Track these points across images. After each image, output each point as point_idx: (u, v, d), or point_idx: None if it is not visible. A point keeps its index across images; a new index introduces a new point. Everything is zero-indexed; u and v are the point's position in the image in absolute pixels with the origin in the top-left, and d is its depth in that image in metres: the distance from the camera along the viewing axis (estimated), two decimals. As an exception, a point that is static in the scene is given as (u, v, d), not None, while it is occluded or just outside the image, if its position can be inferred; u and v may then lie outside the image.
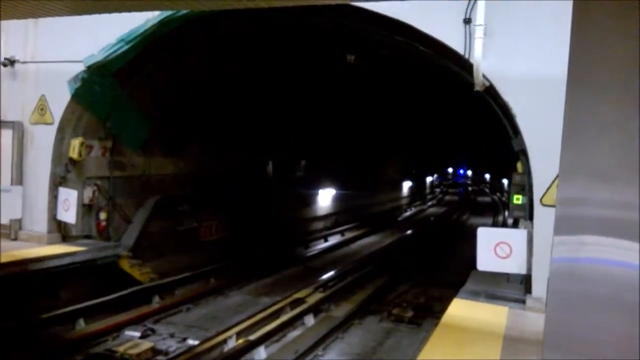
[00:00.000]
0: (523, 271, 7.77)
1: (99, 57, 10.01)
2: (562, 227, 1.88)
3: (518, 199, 8.56)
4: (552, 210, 7.56)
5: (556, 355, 1.84)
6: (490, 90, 8.02)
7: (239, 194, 15.74)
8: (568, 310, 1.83)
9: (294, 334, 9.59)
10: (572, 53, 2.00)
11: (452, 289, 9.44)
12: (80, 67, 10.17)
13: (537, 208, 7.62)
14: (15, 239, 10.64)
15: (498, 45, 7.77)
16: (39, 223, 10.62)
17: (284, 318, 9.84)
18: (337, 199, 24.49)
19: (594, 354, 1.76)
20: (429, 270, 16.01)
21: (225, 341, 8.54)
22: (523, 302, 7.73)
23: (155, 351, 8.29)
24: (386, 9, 8.02)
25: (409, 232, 25.47)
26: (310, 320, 10.24)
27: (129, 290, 10.53)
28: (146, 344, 8.32)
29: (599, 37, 1.94)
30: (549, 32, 7.24)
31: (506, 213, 31.07)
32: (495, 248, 7.76)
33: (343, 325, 10.00)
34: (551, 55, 7.22)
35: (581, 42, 1.97)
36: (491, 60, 7.76)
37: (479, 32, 7.68)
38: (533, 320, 7.03)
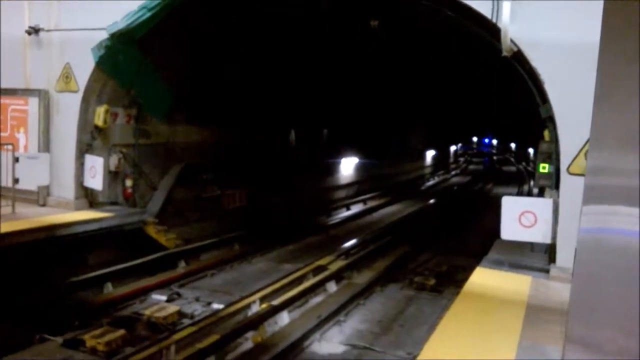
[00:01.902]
0: (548, 240, 7.69)
1: (122, 25, 9.98)
2: (591, 196, 1.83)
3: (544, 168, 8.40)
4: (579, 179, 7.44)
5: (581, 325, 1.82)
6: (518, 56, 7.81)
7: (262, 162, 15.80)
8: (595, 281, 1.79)
9: (316, 300, 9.73)
10: (605, 16, 1.91)
11: (475, 258, 9.41)
12: (103, 35, 10.19)
13: (564, 177, 7.48)
14: (44, 205, 10.89)
15: (527, 10, 7.52)
16: (67, 189, 10.83)
17: (306, 284, 9.97)
18: (360, 168, 24.43)
19: (620, 326, 1.73)
20: (451, 239, 15.98)
21: (249, 306, 8.72)
22: (547, 271, 7.66)
23: (181, 314, 8.51)
24: (411, -28, 7.81)
25: (431, 201, 25.38)
26: (332, 286, 10.36)
27: (155, 255, 10.76)
28: (172, 308, 8.53)
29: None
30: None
31: (531, 183, 30.70)
32: (520, 217, 7.68)
33: (365, 292, 10.09)
34: (581, 19, 6.97)
35: (614, 5, 1.89)
36: (520, 25, 7.53)
37: (507, -4, 7.43)
38: (557, 290, 6.98)
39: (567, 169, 7.45)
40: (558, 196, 7.62)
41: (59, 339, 7.34)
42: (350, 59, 17.11)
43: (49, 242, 9.21)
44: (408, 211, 21.97)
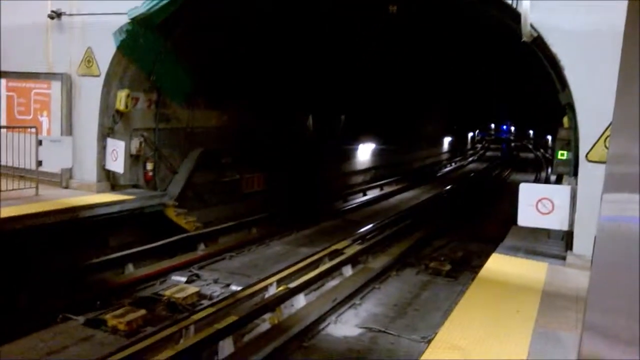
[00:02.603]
0: (565, 227, 7.67)
1: (142, 9, 10.04)
2: (613, 184, 1.80)
3: (563, 155, 8.37)
4: (598, 166, 7.38)
5: (599, 314, 1.78)
6: (538, 42, 7.74)
7: (280, 147, 15.87)
8: (614, 270, 1.73)
9: (332, 283, 9.82)
10: (630, 1, 1.90)
11: (491, 245, 9.43)
12: (124, 20, 10.27)
13: (583, 164, 7.45)
14: (67, 187, 11.09)
15: (548, -5, 7.45)
16: (89, 172, 11.01)
17: (322, 268, 10.06)
18: (376, 154, 24.40)
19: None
20: (467, 225, 15.95)
21: (266, 288, 8.85)
22: (563, 258, 7.67)
23: (200, 295, 8.68)
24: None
25: (448, 187, 25.27)
26: (348, 270, 10.44)
27: (176, 237, 10.93)
28: (192, 289, 8.70)
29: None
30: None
31: (549, 170, 30.40)
32: (537, 204, 7.67)
33: (380, 277, 10.18)
34: (602, 5, 6.89)
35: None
36: (540, 11, 7.46)
37: (528, -19, 7.36)
38: (573, 277, 6.99)
39: (586, 156, 7.41)
40: (576, 183, 7.60)
41: (81, 319, 7.53)
42: (368, 45, 17.02)
43: (72, 223, 9.40)
44: (424, 197, 21.93)
